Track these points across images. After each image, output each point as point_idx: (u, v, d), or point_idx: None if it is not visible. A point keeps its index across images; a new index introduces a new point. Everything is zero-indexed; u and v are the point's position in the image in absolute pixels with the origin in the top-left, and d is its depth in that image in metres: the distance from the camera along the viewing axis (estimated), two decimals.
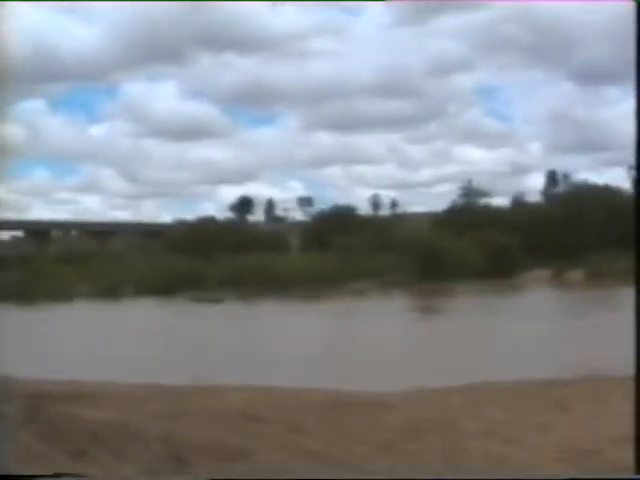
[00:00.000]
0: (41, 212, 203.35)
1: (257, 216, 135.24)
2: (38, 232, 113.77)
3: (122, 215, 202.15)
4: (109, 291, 62.95)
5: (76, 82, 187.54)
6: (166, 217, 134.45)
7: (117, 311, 51.77)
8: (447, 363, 23.06)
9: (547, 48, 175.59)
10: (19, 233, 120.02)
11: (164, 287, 60.61)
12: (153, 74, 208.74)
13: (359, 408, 14.00)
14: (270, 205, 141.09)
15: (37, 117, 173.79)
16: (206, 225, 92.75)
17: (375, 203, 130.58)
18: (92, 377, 20.51)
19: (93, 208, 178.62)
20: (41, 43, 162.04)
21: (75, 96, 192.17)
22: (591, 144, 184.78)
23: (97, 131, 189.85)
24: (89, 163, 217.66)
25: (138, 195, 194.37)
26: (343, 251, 70.52)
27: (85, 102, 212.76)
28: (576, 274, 66.44)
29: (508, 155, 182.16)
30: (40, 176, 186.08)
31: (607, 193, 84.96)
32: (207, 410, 13.13)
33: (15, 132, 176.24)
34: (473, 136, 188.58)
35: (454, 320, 38.36)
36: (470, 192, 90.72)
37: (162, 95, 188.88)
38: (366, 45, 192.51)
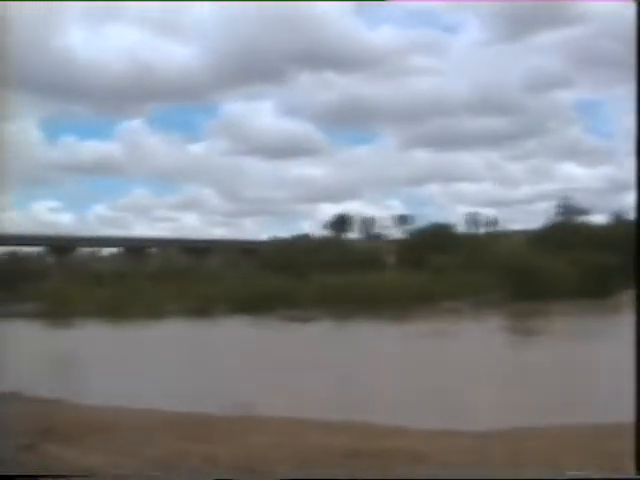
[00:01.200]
0: (141, 229, 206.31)
1: (354, 234, 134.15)
2: (136, 249, 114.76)
3: (221, 233, 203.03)
4: (202, 309, 62.41)
5: (175, 101, 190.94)
6: (264, 235, 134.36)
7: (208, 330, 50.76)
8: (550, 396, 20.80)
9: None
10: (118, 250, 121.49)
11: (257, 305, 59.69)
12: (252, 92, 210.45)
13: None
14: (367, 223, 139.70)
15: (137, 136, 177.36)
16: (301, 243, 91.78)
17: (473, 221, 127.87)
18: (188, 406, 19.24)
19: (192, 226, 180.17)
20: (141, 63, 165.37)
21: (174, 115, 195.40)
22: None
23: (196, 149, 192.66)
24: (188, 181, 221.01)
25: (236, 213, 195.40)
26: (438, 270, 68.37)
27: (184, 121, 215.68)
28: None
29: (608, 172, 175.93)
30: (140, 194, 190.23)
31: None
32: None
33: (116, 151, 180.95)
34: (572, 153, 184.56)
35: (553, 344, 35.66)
36: (568, 209, 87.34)
37: (261, 113, 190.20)
38: (464, 62, 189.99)
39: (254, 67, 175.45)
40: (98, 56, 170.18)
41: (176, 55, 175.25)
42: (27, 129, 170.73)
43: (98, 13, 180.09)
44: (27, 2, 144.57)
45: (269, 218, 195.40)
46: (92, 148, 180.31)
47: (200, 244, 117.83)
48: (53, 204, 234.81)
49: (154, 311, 61.45)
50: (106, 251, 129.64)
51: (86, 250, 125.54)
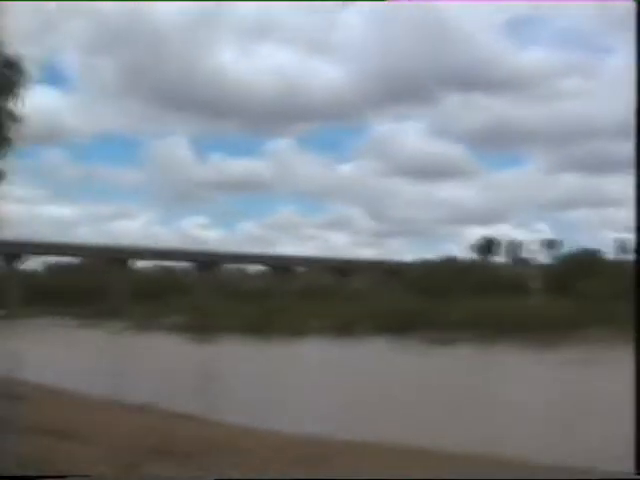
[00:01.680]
0: (288, 247, 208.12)
1: (501, 257, 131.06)
2: (282, 267, 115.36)
3: (367, 253, 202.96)
4: (345, 328, 61.58)
5: (324, 121, 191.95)
6: (410, 256, 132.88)
7: (350, 350, 49.66)
8: None
9: None
10: (264, 267, 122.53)
11: (399, 326, 58.23)
12: (400, 113, 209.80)
13: None
14: (514, 247, 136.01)
15: (287, 155, 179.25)
16: (446, 265, 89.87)
17: (622, 247, 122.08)
18: (318, 429, 18.10)
19: (339, 245, 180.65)
20: (290, 83, 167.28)
21: (324, 135, 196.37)
22: None
23: (345, 169, 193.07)
24: (337, 201, 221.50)
25: (383, 233, 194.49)
26: (585, 296, 64.90)
27: (333, 141, 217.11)
28: None
29: None
30: (288, 212, 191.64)
31: None
32: None
33: (265, 169, 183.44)
34: None
35: None
36: None
37: (409, 134, 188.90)
38: (615, 84, 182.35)
39: (403, 87, 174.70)
40: (249, 75, 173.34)
41: (326, 75, 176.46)
42: (177, 146, 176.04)
43: (249, 32, 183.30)
44: (179, 22, 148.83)
45: (415, 239, 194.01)
46: (241, 166, 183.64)
47: (346, 263, 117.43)
48: (202, 220, 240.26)
49: (297, 329, 61.41)
50: (252, 268, 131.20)
51: (233, 267, 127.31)
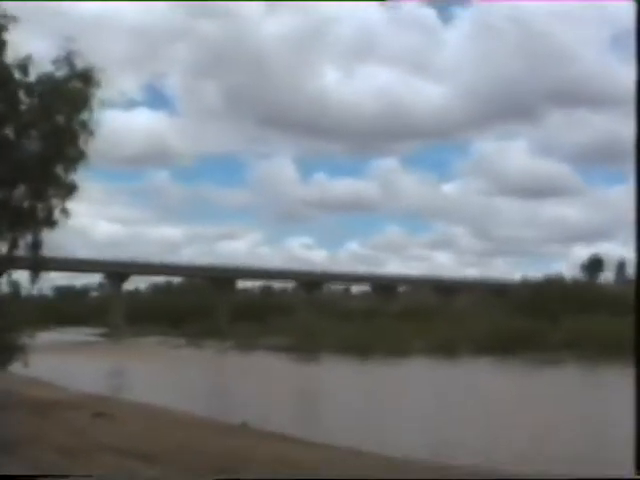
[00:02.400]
0: (392, 267, 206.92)
1: (608, 276, 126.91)
2: (386, 287, 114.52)
3: (472, 272, 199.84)
4: (448, 348, 60.45)
5: (428, 140, 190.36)
6: (516, 275, 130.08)
7: (452, 371, 48.54)
8: None
9: None
10: (368, 287, 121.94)
11: (503, 347, 56.77)
12: (504, 131, 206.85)
13: None
14: (622, 265, 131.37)
15: (391, 174, 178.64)
16: (552, 284, 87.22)
17: None
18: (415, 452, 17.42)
19: (444, 265, 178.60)
20: (393, 102, 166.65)
21: (427, 154, 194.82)
22: None
23: (449, 189, 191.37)
24: (441, 220, 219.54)
25: (488, 253, 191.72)
26: None
27: (437, 160, 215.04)
28: None
29: None
30: (393, 232, 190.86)
31: None
32: None
33: (369, 189, 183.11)
34: None
35: None
36: None
37: (513, 153, 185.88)
38: None
39: (506, 105, 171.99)
40: (352, 95, 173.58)
41: (429, 93, 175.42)
42: (282, 167, 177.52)
43: (351, 53, 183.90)
44: (282, 44, 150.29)
45: (520, 258, 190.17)
46: (345, 185, 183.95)
47: (451, 283, 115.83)
48: (306, 240, 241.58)
49: (400, 349, 60.56)
50: (356, 288, 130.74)
51: (337, 286, 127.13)
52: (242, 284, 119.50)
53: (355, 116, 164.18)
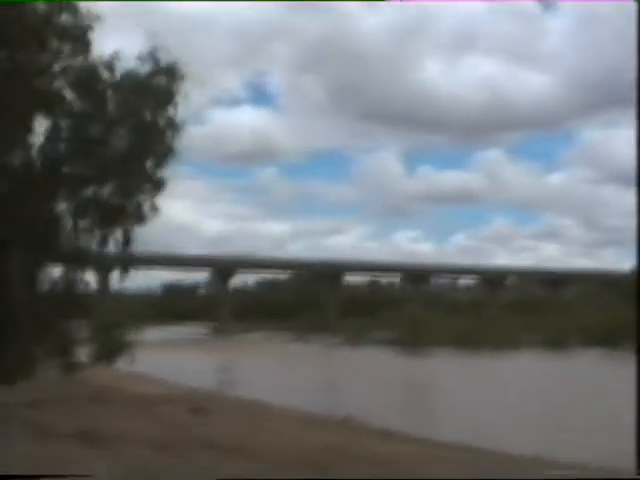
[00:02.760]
0: (500, 259, 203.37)
1: None
2: (494, 279, 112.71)
3: (581, 263, 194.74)
4: (557, 340, 59.08)
5: (532, 130, 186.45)
6: (625, 265, 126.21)
7: (561, 364, 47.27)
8: None
9: None
10: (476, 279, 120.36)
11: (613, 338, 54.99)
12: (610, 119, 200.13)
13: None
14: None
15: (496, 165, 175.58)
16: None
17: None
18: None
19: (552, 256, 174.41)
20: (497, 93, 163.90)
21: (532, 144, 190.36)
22: None
23: (555, 179, 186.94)
24: (548, 211, 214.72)
25: (597, 243, 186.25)
26: None
27: (542, 150, 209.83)
28: None
29: None
30: (500, 224, 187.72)
31: None
32: None
33: (475, 180, 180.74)
34: None
35: None
36: None
37: (620, 140, 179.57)
38: None
39: (612, 93, 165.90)
40: (454, 87, 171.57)
41: (532, 83, 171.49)
42: (387, 161, 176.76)
43: (453, 44, 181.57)
44: (383, 38, 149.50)
45: (630, 248, 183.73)
46: (451, 178, 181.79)
47: (559, 274, 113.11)
48: (413, 234, 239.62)
49: (508, 342, 59.51)
50: (464, 281, 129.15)
51: (443, 279, 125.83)
52: (349, 279, 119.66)
53: (459, 108, 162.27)
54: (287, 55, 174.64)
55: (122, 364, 39.39)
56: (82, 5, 13.07)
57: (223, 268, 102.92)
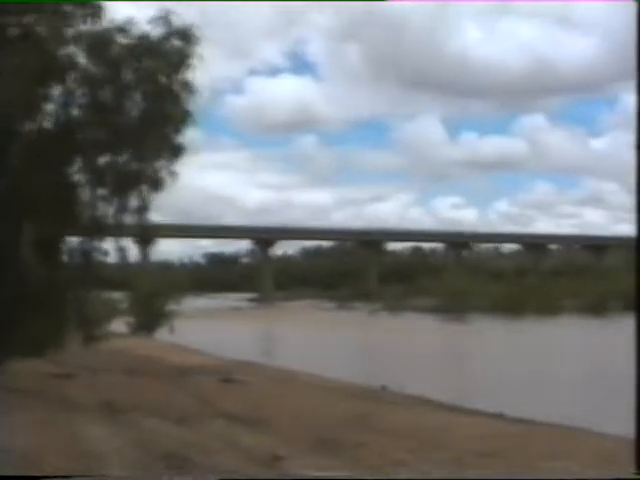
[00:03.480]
0: (542, 226, 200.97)
1: None
2: (536, 246, 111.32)
3: (624, 229, 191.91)
4: (598, 307, 58.22)
5: (575, 95, 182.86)
6: None
7: (603, 330, 46.35)
8: None
9: None
10: (518, 246, 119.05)
11: None
12: None
13: None
14: None
15: (538, 131, 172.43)
16: None
17: None
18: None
19: (595, 222, 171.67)
20: (538, 58, 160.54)
21: (574, 109, 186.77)
22: None
23: (598, 144, 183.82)
24: (591, 176, 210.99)
25: None
26: None
27: (585, 115, 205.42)
28: None
29: None
30: (542, 190, 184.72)
31: None
32: None
33: (517, 146, 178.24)
34: None
35: None
36: None
37: None
38: None
39: None
40: (495, 53, 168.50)
41: (574, 47, 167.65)
42: (428, 128, 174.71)
43: (492, 9, 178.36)
44: (421, 5, 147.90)
45: None
46: (493, 144, 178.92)
47: (602, 241, 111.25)
48: (455, 200, 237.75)
49: (550, 308, 58.90)
50: (506, 247, 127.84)
51: (486, 246, 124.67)
52: (392, 246, 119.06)
53: (500, 73, 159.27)
54: (326, 23, 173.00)
55: (161, 334, 39.57)
56: None
57: (265, 238, 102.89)
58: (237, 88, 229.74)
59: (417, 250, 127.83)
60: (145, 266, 66.12)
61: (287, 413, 14.28)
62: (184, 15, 13.47)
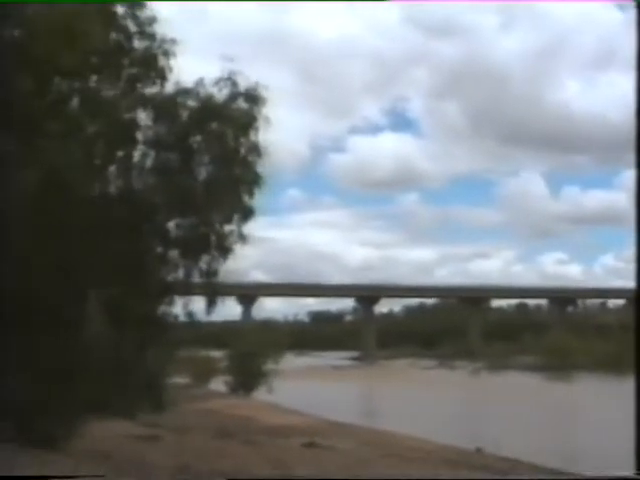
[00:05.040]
0: None
1: None
2: None
3: None
4: None
5: None
6: None
7: None
8: None
9: None
10: (625, 301, 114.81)
11: None
12: None
13: None
14: None
15: None
16: None
17: None
18: None
19: None
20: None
21: None
22: None
23: None
24: None
25: None
26: None
27: None
28: None
29: None
30: None
31: None
32: None
33: (620, 200, 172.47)
34: None
35: None
36: None
37: None
38: None
39: None
40: (595, 106, 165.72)
41: None
42: (530, 183, 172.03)
43: (591, 62, 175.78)
44: (520, 59, 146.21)
45: None
46: (596, 198, 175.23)
47: None
48: (559, 256, 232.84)
49: None
50: (612, 302, 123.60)
51: (591, 301, 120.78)
52: (496, 303, 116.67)
53: (601, 126, 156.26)
54: (425, 80, 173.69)
55: (263, 393, 39.19)
56: (157, 31, 12.41)
57: (368, 295, 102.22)
58: (339, 146, 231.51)
59: (521, 306, 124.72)
60: (247, 325, 66.57)
61: None
62: (255, 75, 13.15)
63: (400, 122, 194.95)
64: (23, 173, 10.93)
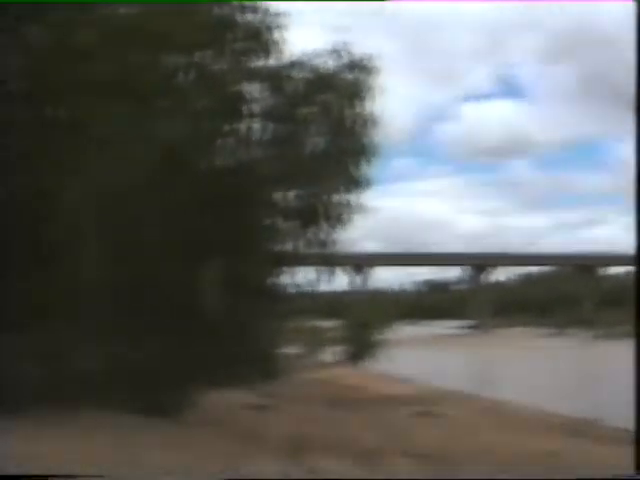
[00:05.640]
0: None
1: None
2: None
3: None
4: None
5: None
6: None
7: None
8: None
9: None
10: None
11: None
12: None
13: None
14: None
15: None
16: None
17: None
18: None
19: None
20: None
21: None
22: None
23: None
24: None
25: None
26: None
27: None
28: None
29: None
30: None
31: None
32: None
33: None
34: None
35: None
36: None
37: None
38: None
39: None
40: None
41: None
42: None
43: None
44: (627, 21, 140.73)
45: None
46: None
47: None
48: None
49: None
50: None
51: None
52: (610, 270, 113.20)
53: None
54: (534, 46, 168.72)
55: (375, 363, 39.02)
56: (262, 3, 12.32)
57: (480, 264, 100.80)
58: (448, 115, 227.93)
59: (633, 274, 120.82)
60: (359, 294, 66.38)
61: (475, 451, 13.11)
62: (364, 46, 12.93)
63: (510, 88, 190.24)
64: (138, 148, 11.04)
